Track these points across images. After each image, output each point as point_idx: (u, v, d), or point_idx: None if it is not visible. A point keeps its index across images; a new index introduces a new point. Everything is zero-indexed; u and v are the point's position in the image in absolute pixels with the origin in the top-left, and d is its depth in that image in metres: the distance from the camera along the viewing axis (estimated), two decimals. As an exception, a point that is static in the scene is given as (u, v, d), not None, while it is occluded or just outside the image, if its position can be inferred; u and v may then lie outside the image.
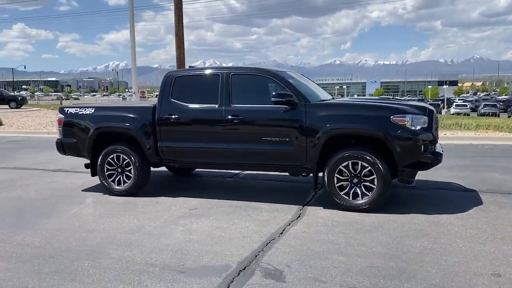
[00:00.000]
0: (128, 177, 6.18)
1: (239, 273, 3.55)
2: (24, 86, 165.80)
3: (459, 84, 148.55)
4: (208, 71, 6.13)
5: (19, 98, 36.41)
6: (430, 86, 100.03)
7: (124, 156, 6.14)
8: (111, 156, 6.20)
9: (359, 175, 5.13)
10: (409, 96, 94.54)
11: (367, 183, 5.10)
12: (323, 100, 5.86)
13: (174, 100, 5.97)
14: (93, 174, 6.42)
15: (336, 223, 4.80)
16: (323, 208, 5.36)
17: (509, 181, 6.66)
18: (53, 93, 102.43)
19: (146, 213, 5.36)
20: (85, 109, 6.45)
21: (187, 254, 3.98)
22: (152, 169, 6.45)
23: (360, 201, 5.12)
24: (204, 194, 6.22)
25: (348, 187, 5.19)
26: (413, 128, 5.01)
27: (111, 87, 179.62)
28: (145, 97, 24.65)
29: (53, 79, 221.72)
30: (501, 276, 3.40)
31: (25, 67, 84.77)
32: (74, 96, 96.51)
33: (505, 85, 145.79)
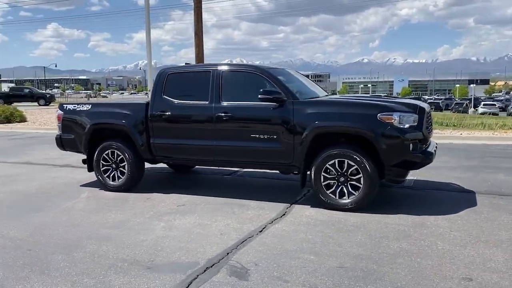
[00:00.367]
0: (122, 173, 6.26)
1: (205, 271, 3.54)
2: (56, 84, 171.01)
3: (491, 83, 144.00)
4: (199, 68, 6.13)
5: (48, 96, 37.54)
6: (458, 85, 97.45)
7: (119, 152, 6.22)
8: (106, 152, 6.29)
9: (345, 173, 5.03)
10: (437, 95, 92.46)
11: (354, 182, 4.99)
12: (313, 98, 5.76)
13: (166, 97, 5.99)
14: (90, 169, 6.53)
15: (319, 222, 4.72)
16: (311, 207, 5.28)
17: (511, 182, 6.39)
18: (83, 91, 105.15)
19: (134, 209, 5.41)
20: (82, 106, 6.57)
21: (160, 250, 3.99)
22: (152, 166, 6.50)
23: (345, 200, 5.02)
24: (198, 191, 6.22)
25: (335, 185, 5.10)
26: (401, 126, 4.87)
27: (139, 85, 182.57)
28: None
29: (84, 77, 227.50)
30: (472, 280, 3.26)
31: (56, 66, 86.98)
32: (103, 94, 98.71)
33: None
